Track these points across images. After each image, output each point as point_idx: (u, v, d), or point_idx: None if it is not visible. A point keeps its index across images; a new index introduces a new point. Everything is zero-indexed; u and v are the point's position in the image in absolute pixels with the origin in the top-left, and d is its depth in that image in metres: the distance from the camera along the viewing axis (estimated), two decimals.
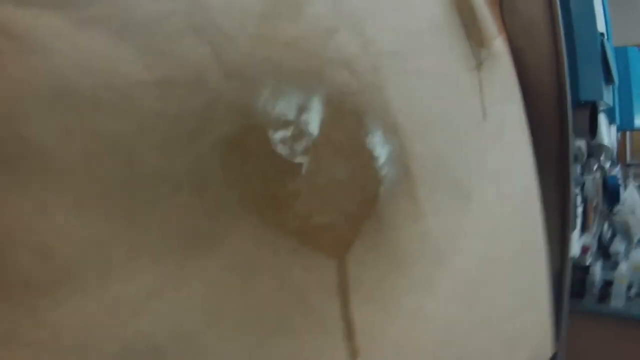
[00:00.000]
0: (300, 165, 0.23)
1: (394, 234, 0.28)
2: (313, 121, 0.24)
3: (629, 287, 1.37)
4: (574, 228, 1.05)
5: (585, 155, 1.35)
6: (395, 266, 0.29)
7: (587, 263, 1.33)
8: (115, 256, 0.17)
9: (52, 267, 0.16)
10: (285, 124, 0.23)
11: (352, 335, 0.24)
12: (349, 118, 0.26)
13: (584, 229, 1.38)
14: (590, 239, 1.39)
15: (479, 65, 0.47)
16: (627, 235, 1.66)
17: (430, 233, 0.32)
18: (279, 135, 0.22)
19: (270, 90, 0.22)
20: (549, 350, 0.72)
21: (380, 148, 0.27)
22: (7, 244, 0.15)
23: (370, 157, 0.27)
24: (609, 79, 1.18)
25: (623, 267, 1.34)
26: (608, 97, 1.19)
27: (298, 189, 0.23)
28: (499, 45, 0.54)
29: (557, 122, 0.77)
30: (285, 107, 0.22)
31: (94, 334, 0.17)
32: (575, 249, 1.17)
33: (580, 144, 1.28)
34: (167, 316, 0.19)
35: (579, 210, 1.30)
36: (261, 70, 0.21)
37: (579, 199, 1.28)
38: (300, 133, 0.24)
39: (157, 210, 0.18)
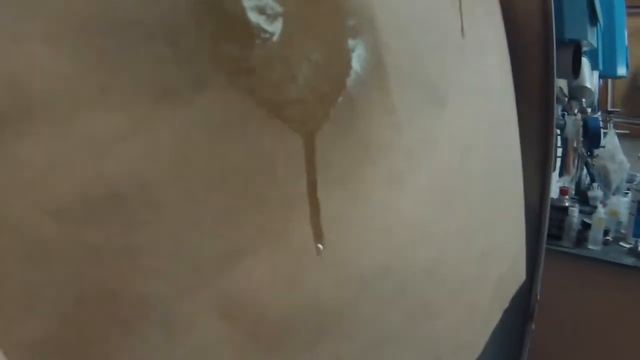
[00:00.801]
0: (271, 33, 0.23)
1: (365, 122, 0.27)
2: None
3: (606, 232, 1.39)
4: (554, 169, 1.05)
5: (567, 97, 1.35)
6: (365, 155, 0.28)
7: (566, 204, 1.35)
8: (84, 93, 0.17)
9: (18, 96, 0.15)
10: None
11: (317, 217, 0.24)
12: (325, 1, 0.25)
13: (563, 171, 1.39)
14: (569, 181, 1.40)
15: None
16: (606, 181, 1.68)
17: (402, 128, 0.31)
18: (253, 1, 0.22)
19: None
20: (520, 277, 0.73)
21: (354, 35, 0.26)
22: None
23: (343, 43, 0.27)
24: (593, 19, 1.17)
25: (601, 211, 1.36)
26: (592, 37, 1.19)
27: (269, 56, 0.22)
28: None
29: (541, 54, 0.76)
30: None
31: (55, 172, 0.16)
32: (554, 190, 1.18)
33: (562, 84, 1.28)
34: (131, 163, 0.18)
35: (559, 151, 1.30)
36: None
37: (558, 140, 1.29)
38: (274, 3, 0.23)
39: (129, 53, 0.17)
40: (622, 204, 1.55)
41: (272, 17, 0.23)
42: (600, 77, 1.76)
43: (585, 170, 1.76)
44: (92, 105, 0.16)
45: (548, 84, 0.69)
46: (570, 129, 1.32)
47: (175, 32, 0.19)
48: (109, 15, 0.17)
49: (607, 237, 1.38)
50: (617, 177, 1.71)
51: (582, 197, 1.69)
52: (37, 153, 0.16)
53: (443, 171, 0.36)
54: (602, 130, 1.74)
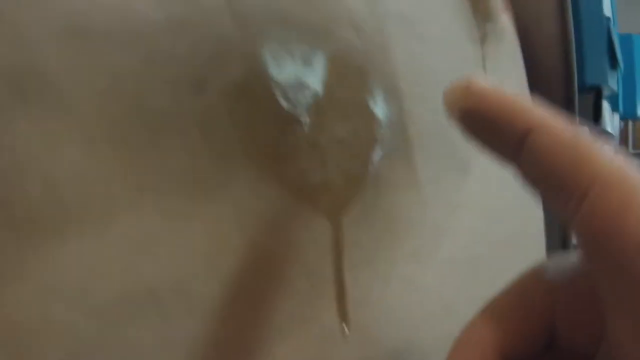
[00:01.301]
0: (302, 119, 0.23)
1: (389, 198, 0.27)
2: (317, 77, 0.23)
3: None
4: None
5: None
6: (391, 232, 0.28)
7: None
8: (121, 193, 0.17)
9: (58, 201, 0.15)
10: (290, 77, 0.22)
11: (343, 299, 0.24)
12: (353, 77, 0.25)
13: None
14: None
15: (483, 38, 0.46)
16: None
17: (427, 202, 0.31)
18: (283, 87, 0.22)
19: (277, 41, 0.21)
20: None
21: (381, 109, 0.26)
22: (15, 174, 0.15)
23: (371, 118, 0.27)
24: (614, 63, 1.17)
25: None
26: (613, 82, 1.18)
27: (299, 143, 0.22)
28: (504, 20, 0.53)
29: (562, 105, 0.76)
30: (290, 60, 0.22)
31: (97, 276, 0.16)
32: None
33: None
34: (167, 260, 0.18)
35: None
36: (271, 20, 0.21)
37: None
38: (303, 88, 0.23)
39: (163, 149, 0.18)
40: None
41: (302, 100, 0.23)
42: (620, 119, 1.75)
43: None
44: (129, 207, 0.16)
45: None
46: None
47: (209, 124, 0.19)
48: (142, 111, 0.17)
49: None
50: None
51: None
52: (77, 256, 0.16)
53: (468, 240, 0.36)
54: None
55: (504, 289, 0.22)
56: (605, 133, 1.36)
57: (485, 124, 0.19)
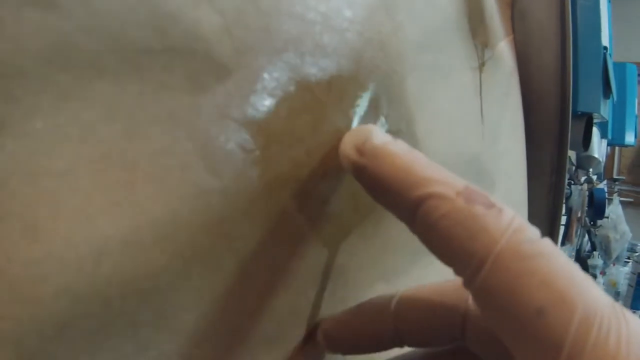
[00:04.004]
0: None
1: (388, 224, 0.27)
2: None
3: None
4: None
5: (575, 166, 1.35)
6: (377, 256, 0.28)
7: None
8: (114, 232, 0.16)
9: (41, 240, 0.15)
10: None
11: (314, 318, 0.24)
12: (373, 103, 0.25)
13: (565, 241, 1.38)
14: (570, 250, 1.40)
15: (481, 66, 0.46)
16: (607, 251, 1.68)
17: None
18: None
19: (291, 66, 0.20)
20: None
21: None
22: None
23: None
24: (607, 92, 1.18)
25: (600, 281, 1.36)
26: (604, 110, 1.19)
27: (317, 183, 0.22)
28: (503, 47, 0.54)
29: (556, 131, 0.77)
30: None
31: None
32: None
33: (571, 154, 1.28)
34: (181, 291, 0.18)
35: (562, 220, 1.30)
36: (279, 45, 0.20)
37: (563, 209, 1.28)
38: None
39: (160, 184, 0.17)
40: (621, 273, 1.55)
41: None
42: (608, 144, 1.77)
43: (586, 237, 1.75)
44: (124, 244, 0.16)
45: (560, 164, 0.69)
46: (575, 199, 1.32)
47: (215, 159, 0.18)
48: (133, 143, 0.16)
49: None
50: (619, 247, 1.71)
51: (581, 264, 1.68)
52: None
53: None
54: (607, 197, 1.74)
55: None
56: (592, 159, 1.38)
57: (377, 187, 0.19)
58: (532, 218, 0.70)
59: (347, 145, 0.20)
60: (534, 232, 0.17)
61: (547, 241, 0.16)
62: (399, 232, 0.28)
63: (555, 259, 0.16)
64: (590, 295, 0.15)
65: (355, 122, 0.23)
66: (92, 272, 0.15)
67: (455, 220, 0.16)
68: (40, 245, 0.15)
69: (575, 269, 0.16)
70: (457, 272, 0.17)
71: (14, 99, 0.14)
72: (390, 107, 0.25)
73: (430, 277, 0.34)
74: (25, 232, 0.15)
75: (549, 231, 0.76)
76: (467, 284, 0.17)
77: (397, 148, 0.19)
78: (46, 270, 0.15)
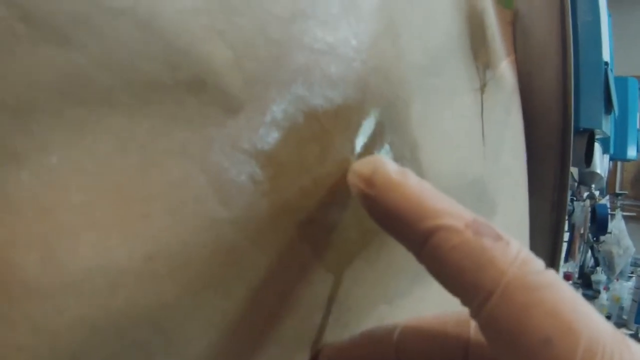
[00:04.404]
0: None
1: (392, 248, 0.27)
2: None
3: (608, 318, 1.38)
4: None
5: (577, 182, 1.36)
6: (379, 279, 0.28)
7: None
8: (127, 262, 0.16)
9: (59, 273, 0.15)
10: None
11: (317, 343, 0.24)
12: (377, 130, 0.25)
13: (569, 256, 1.38)
14: (573, 266, 1.39)
15: (482, 87, 0.46)
16: (610, 266, 1.67)
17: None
18: None
19: (300, 97, 0.21)
20: None
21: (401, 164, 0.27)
22: (9, 247, 0.14)
23: None
24: (609, 108, 1.19)
25: (604, 296, 1.35)
26: (606, 126, 1.20)
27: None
28: (504, 67, 0.54)
29: (558, 148, 0.77)
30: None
31: None
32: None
33: (573, 170, 1.29)
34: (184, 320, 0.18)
35: (565, 236, 1.30)
36: (288, 77, 0.20)
37: (566, 226, 1.28)
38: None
39: (175, 217, 0.17)
40: (624, 289, 1.54)
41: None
42: (610, 159, 1.78)
43: (589, 253, 1.75)
44: (139, 275, 0.16)
45: (562, 185, 0.70)
46: (578, 215, 1.32)
47: (227, 191, 0.18)
48: (150, 178, 0.17)
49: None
50: (622, 262, 1.70)
51: (585, 279, 1.67)
52: None
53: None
54: (610, 212, 1.74)
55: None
56: (594, 175, 1.39)
57: (386, 218, 0.19)
58: (535, 234, 0.70)
59: (356, 175, 0.20)
60: (539, 263, 0.17)
61: (552, 272, 0.17)
62: (401, 254, 0.28)
63: (560, 290, 0.16)
64: (593, 324, 0.16)
65: (359, 150, 0.23)
66: (107, 303, 0.16)
67: (465, 253, 0.17)
68: (57, 277, 0.15)
69: (579, 298, 0.17)
70: (464, 302, 0.17)
71: (28, 133, 0.15)
72: (394, 134, 0.26)
73: (432, 296, 0.35)
74: (42, 263, 0.15)
75: (552, 248, 0.76)
76: (474, 314, 0.17)
77: (407, 179, 0.19)
78: (63, 301, 0.15)
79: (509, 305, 0.16)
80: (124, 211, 0.16)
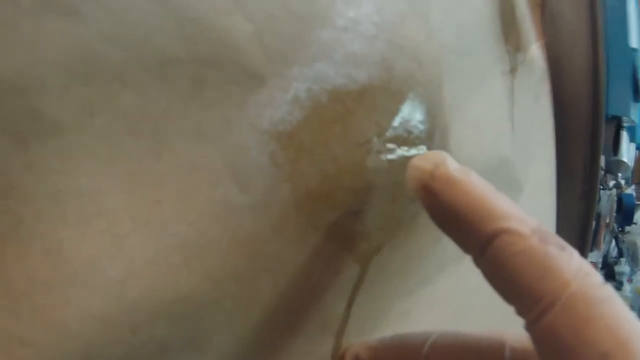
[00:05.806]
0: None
1: (416, 238, 0.26)
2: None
3: (631, 309, 1.35)
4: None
5: (604, 171, 1.33)
6: (404, 268, 0.27)
7: None
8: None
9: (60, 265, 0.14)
10: None
11: (341, 334, 0.24)
12: (408, 114, 0.24)
13: (594, 246, 1.35)
14: (597, 256, 1.37)
15: (513, 69, 0.45)
16: (634, 257, 1.64)
17: (441, 239, 0.30)
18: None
19: (324, 76, 0.19)
20: None
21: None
22: (12, 238, 0.13)
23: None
24: (637, 95, 1.16)
25: (627, 288, 1.33)
26: (634, 113, 1.17)
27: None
28: (535, 51, 0.52)
29: (588, 135, 0.75)
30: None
31: None
32: None
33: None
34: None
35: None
36: (311, 54, 0.19)
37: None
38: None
39: (189, 202, 0.16)
40: None
41: None
42: (637, 148, 1.74)
43: (613, 244, 1.72)
44: (152, 266, 0.15)
45: (592, 173, 0.68)
46: (604, 205, 1.29)
47: (245, 174, 0.17)
48: (162, 160, 0.16)
49: None
50: None
51: (608, 270, 1.64)
52: None
53: (468, 277, 0.35)
54: (636, 202, 1.71)
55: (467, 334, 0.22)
56: (621, 163, 1.35)
57: (447, 216, 0.18)
58: (563, 223, 0.68)
59: (418, 169, 0.19)
60: (599, 276, 0.16)
61: (610, 287, 0.16)
62: (426, 243, 0.27)
63: (619, 305, 0.16)
64: None
65: (386, 134, 0.22)
66: (119, 295, 0.15)
67: (529, 260, 0.16)
68: (65, 267, 0.14)
69: (633, 314, 0.16)
70: (520, 311, 0.17)
71: (36, 114, 0.13)
72: (426, 117, 0.24)
73: (453, 286, 0.34)
74: (49, 254, 0.14)
75: (581, 237, 0.74)
76: (530, 324, 0.16)
77: (471, 178, 0.18)
78: (71, 293, 0.14)
79: (570, 317, 0.15)
80: (135, 197, 0.15)
